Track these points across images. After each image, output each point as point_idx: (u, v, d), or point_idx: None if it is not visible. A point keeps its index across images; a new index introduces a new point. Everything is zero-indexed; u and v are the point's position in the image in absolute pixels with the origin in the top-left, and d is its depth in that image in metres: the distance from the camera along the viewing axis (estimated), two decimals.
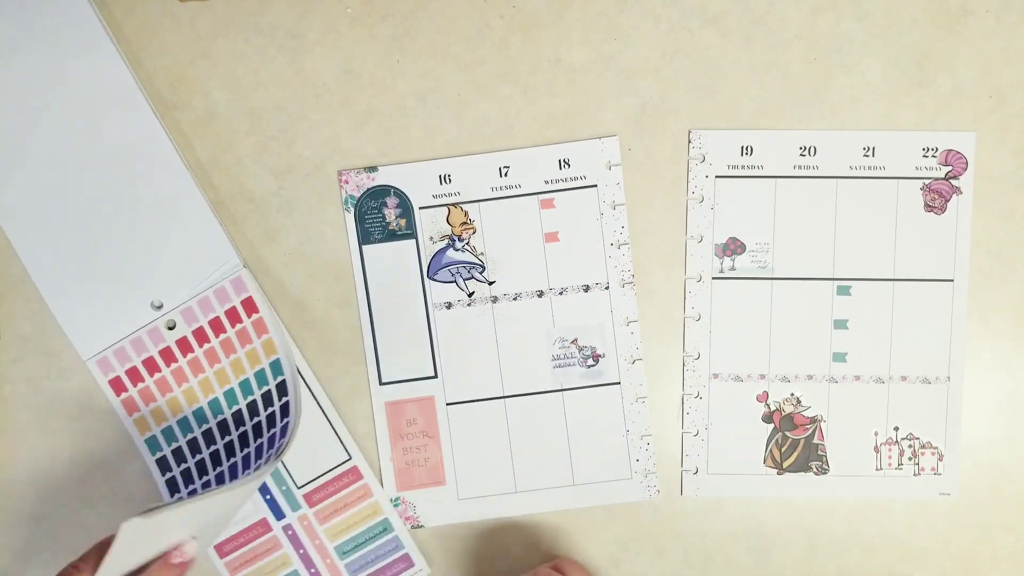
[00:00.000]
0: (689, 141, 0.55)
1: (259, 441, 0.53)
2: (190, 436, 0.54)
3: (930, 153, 0.55)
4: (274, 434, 0.53)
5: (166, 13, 0.55)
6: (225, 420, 0.54)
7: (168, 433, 0.54)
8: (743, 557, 0.55)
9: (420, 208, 0.55)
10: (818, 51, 0.55)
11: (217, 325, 0.54)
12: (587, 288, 0.55)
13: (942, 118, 0.55)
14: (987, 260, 0.55)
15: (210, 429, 0.54)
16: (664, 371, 0.56)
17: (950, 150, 0.55)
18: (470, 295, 0.55)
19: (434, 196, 0.55)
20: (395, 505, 0.55)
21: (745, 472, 0.55)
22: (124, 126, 0.53)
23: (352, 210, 0.55)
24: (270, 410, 0.54)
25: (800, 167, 0.55)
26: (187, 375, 0.54)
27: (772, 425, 0.55)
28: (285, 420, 0.53)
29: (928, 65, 0.55)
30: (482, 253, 0.55)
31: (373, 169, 0.55)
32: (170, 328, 0.54)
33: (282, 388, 0.54)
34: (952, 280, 0.55)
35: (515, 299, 0.55)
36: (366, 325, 0.55)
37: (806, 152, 0.55)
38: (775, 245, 0.55)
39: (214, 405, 0.54)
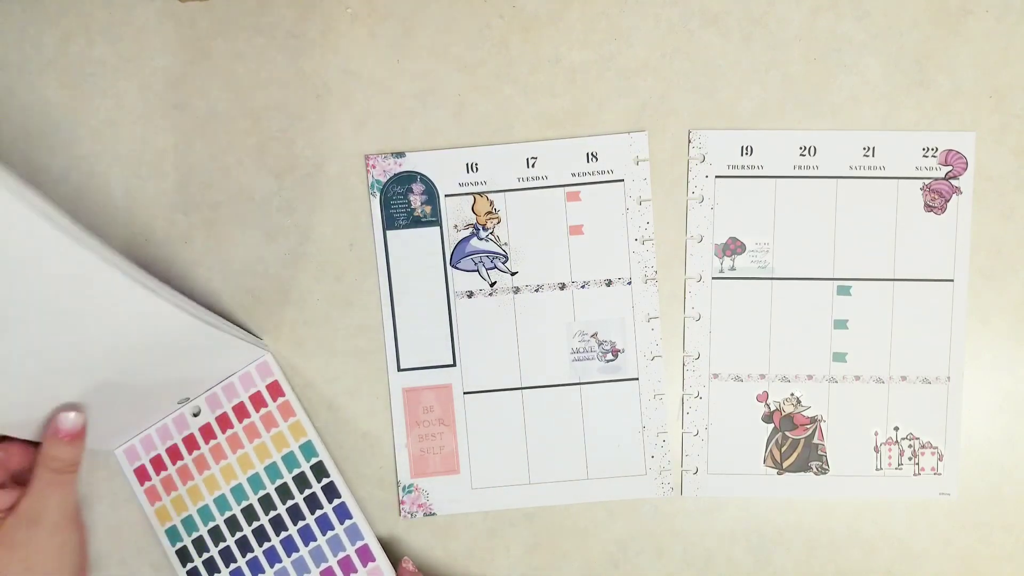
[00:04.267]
0: (689, 141, 0.55)
1: (302, 523, 0.53)
2: (211, 525, 0.53)
3: (930, 153, 0.55)
4: (324, 515, 0.53)
5: (166, 13, 0.55)
6: (251, 506, 0.53)
7: (188, 523, 0.54)
8: (743, 557, 0.55)
9: (446, 196, 0.55)
10: (818, 51, 0.55)
11: (241, 410, 0.54)
12: (609, 283, 0.55)
13: (942, 118, 0.55)
14: (987, 260, 0.55)
15: (234, 516, 0.53)
16: (665, 371, 0.56)
17: (950, 150, 0.55)
18: (492, 285, 0.55)
19: (460, 184, 0.55)
20: (408, 492, 0.55)
21: (745, 472, 0.55)
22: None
23: (378, 195, 0.55)
24: (308, 492, 0.53)
25: (800, 167, 0.55)
26: (208, 462, 0.54)
27: (772, 425, 0.55)
28: (338, 501, 0.53)
29: (928, 65, 0.55)
30: (506, 243, 0.55)
31: (400, 155, 0.55)
32: (195, 415, 0.54)
33: (319, 469, 0.54)
34: (952, 280, 0.55)
35: (537, 291, 0.55)
36: (387, 310, 0.55)
37: (806, 152, 0.55)
38: (775, 245, 0.55)
39: (237, 492, 0.54)
